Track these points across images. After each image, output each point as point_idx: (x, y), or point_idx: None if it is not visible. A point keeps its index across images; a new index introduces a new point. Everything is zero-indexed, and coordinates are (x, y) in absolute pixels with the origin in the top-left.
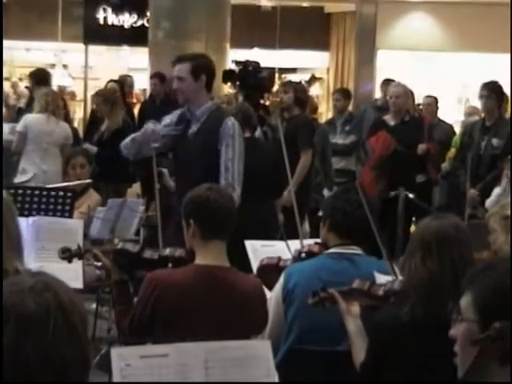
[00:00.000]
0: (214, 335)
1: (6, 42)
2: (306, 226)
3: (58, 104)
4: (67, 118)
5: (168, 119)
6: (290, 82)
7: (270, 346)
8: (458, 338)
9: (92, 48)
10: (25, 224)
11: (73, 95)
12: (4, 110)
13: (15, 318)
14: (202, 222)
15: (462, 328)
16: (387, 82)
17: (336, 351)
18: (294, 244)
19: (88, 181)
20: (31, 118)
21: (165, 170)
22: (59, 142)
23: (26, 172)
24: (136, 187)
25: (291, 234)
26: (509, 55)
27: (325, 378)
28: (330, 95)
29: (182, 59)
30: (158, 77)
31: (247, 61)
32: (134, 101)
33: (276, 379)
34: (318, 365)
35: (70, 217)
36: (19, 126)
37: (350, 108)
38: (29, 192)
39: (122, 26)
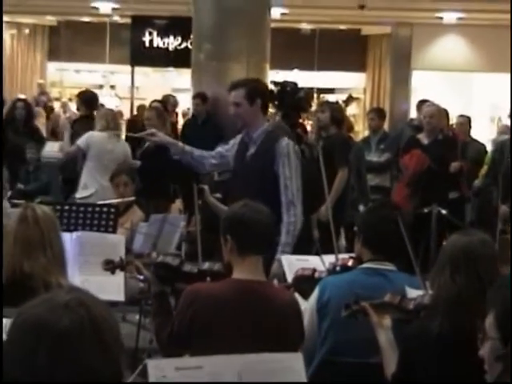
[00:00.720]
0: (250, 349)
1: (56, 64)
2: (343, 241)
3: (118, 122)
4: None
5: (231, 142)
6: (327, 101)
7: (302, 359)
8: (485, 356)
9: (138, 69)
10: (69, 239)
11: (120, 115)
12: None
13: (48, 334)
14: (239, 237)
15: (487, 346)
16: (422, 102)
17: (368, 363)
18: (329, 258)
19: (131, 198)
20: (93, 136)
21: (205, 187)
22: (119, 159)
23: (87, 187)
24: (178, 203)
25: (327, 248)
26: None
27: None
28: (366, 114)
29: (237, 85)
30: (199, 97)
31: (285, 81)
32: (178, 120)
33: None
34: (351, 376)
35: (114, 232)
36: (81, 141)
37: (386, 127)
38: (74, 208)
39: (166, 49)
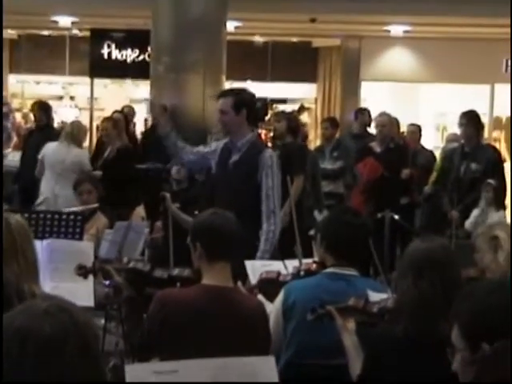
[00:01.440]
0: (220, 353)
1: (17, 76)
2: (298, 246)
3: (81, 133)
4: None
5: (214, 146)
6: (283, 111)
7: (274, 362)
8: (457, 369)
9: (97, 81)
10: (39, 246)
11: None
12: (15, 138)
13: (33, 341)
14: (208, 244)
15: (457, 359)
16: (362, 112)
17: (333, 365)
18: (292, 263)
19: (95, 205)
20: (48, 147)
21: (167, 195)
22: (73, 168)
23: (42, 195)
24: (141, 210)
25: (287, 253)
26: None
27: None
28: (317, 124)
29: (225, 94)
30: (161, 107)
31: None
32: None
33: None
34: (316, 378)
35: (81, 239)
36: (40, 153)
37: (337, 136)
38: (42, 216)
39: (124, 61)
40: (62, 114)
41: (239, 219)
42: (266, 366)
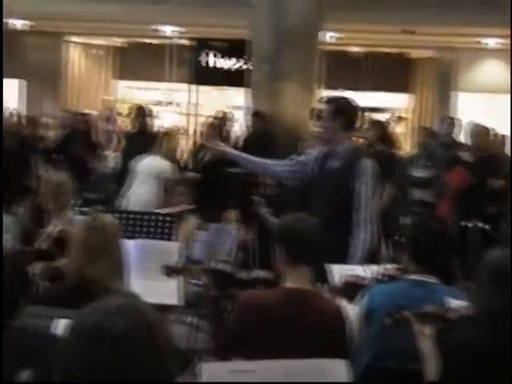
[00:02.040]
0: (298, 354)
1: (124, 82)
2: (381, 251)
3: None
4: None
5: (313, 153)
6: (375, 120)
7: (345, 365)
8: None
9: (199, 88)
10: (131, 246)
11: (181, 129)
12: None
13: (106, 338)
14: (290, 248)
15: None
16: (451, 121)
17: (409, 369)
18: (372, 268)
19: (188, 207)
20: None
21: (259, 199)
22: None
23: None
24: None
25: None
26: None
27: None
28: (411, 133)
29: (327, 102)
30: (258, 115)
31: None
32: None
33: None
34: (393, 382)
35: (170, 239)
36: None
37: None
38: (135, 216)
39: (225, 69)
40: (165, 119)
41: (331, 224)
42: (338, 369)
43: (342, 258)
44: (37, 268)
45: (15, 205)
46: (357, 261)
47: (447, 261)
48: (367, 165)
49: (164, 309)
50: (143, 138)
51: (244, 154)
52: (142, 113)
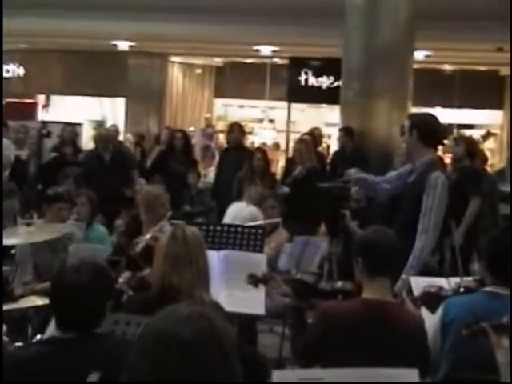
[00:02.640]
0: (374, 364)
1: (223, 100)
2: (475, 265)
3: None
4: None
5: (406, 168)
6: (462, 136)
7: (417, 375)
8: None
9: (295, 105)
10: (216, 256)
11: (277, 146)
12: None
13: (175, 344)
14: (369, 260)
15: None
16: None
17: (486, 381)
18: (457, 280)
19: (277, 220)
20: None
21: (347, 212)
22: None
23: None
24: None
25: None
26: None
27: None
28: (502, 149)
29: (408, 117)
30: (346, 131)
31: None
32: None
33: None
34: None
35: (260, 251)
36: None
37: None
38: (225, 229)
39: (320, 87)
40: (262, 136)
41: (409, 237)
42: (410, 379)
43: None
44: (123, 277)
45: (116, 216)
46: (407, 269)
47: None
48: (433, 177)
49: (253, 319)
50: (237, 153)
51: (367, 175)
52: (235, 129)
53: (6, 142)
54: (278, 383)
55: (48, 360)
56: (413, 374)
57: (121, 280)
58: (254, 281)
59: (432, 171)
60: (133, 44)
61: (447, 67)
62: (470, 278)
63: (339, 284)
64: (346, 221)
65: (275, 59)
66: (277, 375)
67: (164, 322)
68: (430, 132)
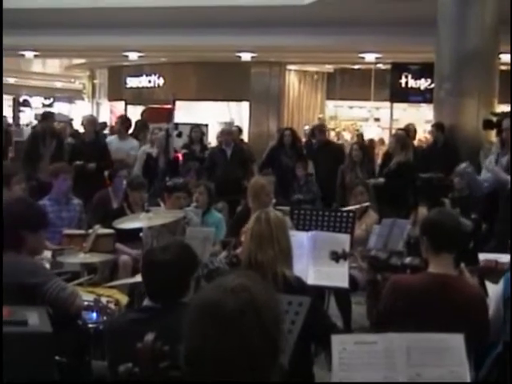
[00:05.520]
0: (436, 331)
1: (334, 102)
2: None
3: None
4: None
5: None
6: None
7: (462, 340)
8: None
9: (396, 105)
10: (305, 237)
11: (382, 142)
12: None
13: (219, 314)
14: (432, 238)
15: None
16: None
17: None
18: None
19: (366, 204)
20: None
21: (447, 200)
22: None
23: None
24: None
25: None
26: None
27: None
28: None
29: (507, 115)
30: (438, 126)
31: (502, 112)
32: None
33: (467, 368)
34: None
35: (351, 233)
36: None
37: None
38: (320, 213)
39: (418, 88)
40: (368, 132)
41: None
42: (455, 343)
43: None
44: (221, 255)
45: (237, 204)
46: None
47: None
48: None
49: (346, 291)
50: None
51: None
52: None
53: (133, 142)
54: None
55: (139, 325)
56: (458, 339)
57: (219, 258)
58: (336, 257)
59: None
60: (255, 55)
61: None
62: None
63: (408, 260)
64: (445, 207)
65: (379, 65)
66: (335, 339)
67: (210, 293)
68: None
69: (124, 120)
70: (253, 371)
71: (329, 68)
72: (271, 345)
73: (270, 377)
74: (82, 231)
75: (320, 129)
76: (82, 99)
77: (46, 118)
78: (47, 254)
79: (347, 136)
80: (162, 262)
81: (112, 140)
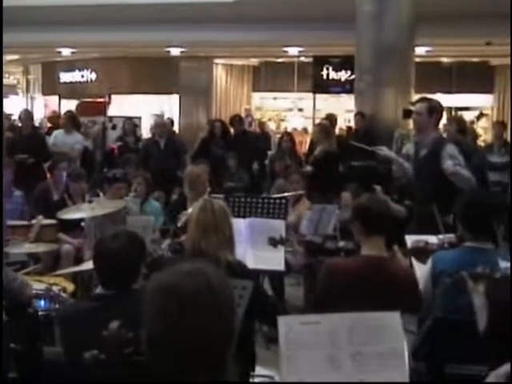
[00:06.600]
0: (373, 310)
1: (259, 94)
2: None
3: None
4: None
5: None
6: (454, 116)
7: (398, 317)
8: None
9: (319, 96)
10: (243, 223)
11: (305, 130)
12: None
13: (174, 297)
14: (363, 222)
15: None
16: None
17: (469, 321)
18: (441, 237)
19: (300, 192)
20: None
21: (378, 187)
22: None
23: None
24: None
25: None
26: None
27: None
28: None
29: (421, 100)
30: (359, 115)
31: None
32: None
33: (404, 344)
34: (456, 332)
35: (284, 218)
36: None
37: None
38: (254, 200)
39: (339, 80)
40: (292, 122)
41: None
42: (392, 320)
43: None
44: (165, 243)
45: (171, 193)
46: None
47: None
48: (448, 146)
49: (280, 274)
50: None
51: (400, 160)
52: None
53: (78, 136)
54: None
55: (93, 312)
56: (394, 316)
57: (163, 246)
58: (274, 243)
59: (440, 144)
60: (184, 50)
61: (445, 60)
62: (451, 235)
63: (342, 243)
64: (377, 194)
65: (301, 58)
66: (281, 320)
67: (167, 277)
68: (441, 114)
69: (70, 115)
70: (211, 352)
71: (254, 61)
72: (227, 325)
73: (227, 358)
74: (24, 222)
75: (238, 119)
76: (17, 94)
77: None
78: None
79: (272, 126)
80: (114, 250)
81: (58, 134)
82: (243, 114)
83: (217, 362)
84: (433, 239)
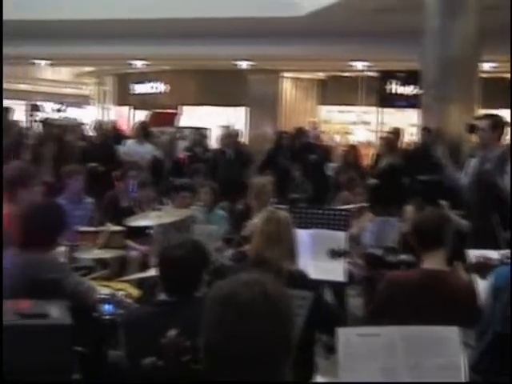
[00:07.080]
0: (433, 323)
1: (325, 107)
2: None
3: None
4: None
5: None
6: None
7: (458, 331)
8: None
9: (385, 110)
10: (305, 235)
11: (370, 143)
12: None
13: (233, 305)
14: (421, 236)
15: None
16: None
17: None
18: (503, 252)
19: (362, 204)
20: None
21: (444, 203)
22: None
23: None
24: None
25: None
26: None
27: None
28: None
29: (485, 117)
30: (425, 130)
31: (483, 115)
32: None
33: (462, 358)
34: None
35: (346, 230)
36: None
37: None
38: (317, 211)
39: (404, 94)
40: (357, 135)
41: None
42: (450, 334)
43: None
44: (228, 252)
45: (236, 203)
46: None
47: None
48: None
49: (341, 285)
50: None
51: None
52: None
53: (149, 146)
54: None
55: (155, 317)
56: (454, 330)
57: (226, 254)
58: (334, 254)
59: (504, 159)
60: (251, 63)
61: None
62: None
63: (403, 257)
64: (443, 209)
65: (367, 72)
66: (340, 332)
67: (226, 286)
68: (504, 129)
69: (142, 126)
70: (268, 361)
71: (321, 75)
72: (284, 334)
73: (285, 369)
74: (93, 228)
75: (302, 131)
76: (91, 104)
77: (45, 124)
78: (63, 249)
79: (338, 138)
80: (178, 258)
81: (130, 144)
82: (307, 127)
83: (273, 371)
84: (494, 254)
